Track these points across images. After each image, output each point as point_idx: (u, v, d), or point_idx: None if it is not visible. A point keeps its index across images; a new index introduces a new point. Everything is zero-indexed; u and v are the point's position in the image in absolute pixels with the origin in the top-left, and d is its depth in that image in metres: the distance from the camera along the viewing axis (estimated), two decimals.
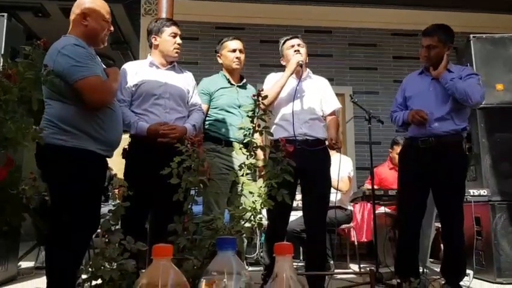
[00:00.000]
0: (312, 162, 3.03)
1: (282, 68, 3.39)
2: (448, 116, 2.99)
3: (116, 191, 2.13)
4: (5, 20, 3.69)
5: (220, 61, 3.41)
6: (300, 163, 2.89)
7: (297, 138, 3.06)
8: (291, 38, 3.32)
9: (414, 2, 6.64)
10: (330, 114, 3.37)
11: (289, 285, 0.83)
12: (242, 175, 2.17)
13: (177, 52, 2.99)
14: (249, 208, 2.05)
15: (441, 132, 2.98)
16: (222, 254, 0.89)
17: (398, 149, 4.68)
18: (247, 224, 2.06)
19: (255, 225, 2.05)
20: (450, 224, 2.98)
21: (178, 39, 2.97)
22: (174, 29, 2.97)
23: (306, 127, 3.14)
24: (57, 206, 2.25)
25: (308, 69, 3.38)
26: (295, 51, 3.23)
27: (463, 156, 3.14)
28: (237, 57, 3.30)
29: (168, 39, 2.94)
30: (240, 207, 2.05)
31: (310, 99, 3.25)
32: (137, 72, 2.88)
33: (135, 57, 7.66)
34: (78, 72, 2.17)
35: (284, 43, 3.34)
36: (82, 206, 2.23)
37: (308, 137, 3.12)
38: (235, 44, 3.34)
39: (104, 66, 2.50)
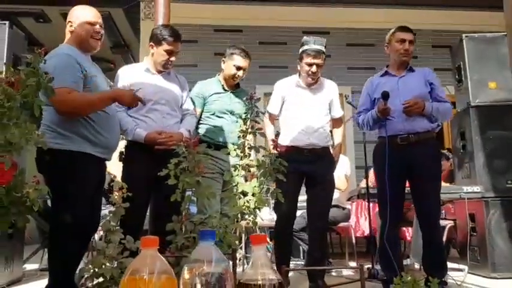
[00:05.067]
0: (317, 167, 3.24)
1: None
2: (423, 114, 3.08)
3: (116, 194, 2.22)
4: (7, 28, 3.76)
5: (222, 65, 3.45)
6: (307, 169, 3.19)
7: (306, 148, 3.26)
8: (313, 56, 3.25)
9: (410, 2, 6.71)
10: (337, 121, 3.56)
11: (263, 272, 0.92)
12: (237, 176, 2.25)
13: (166, 68, 3.01)
14: (244, 207, 2.13)
15: (419, 129, 3.07)
16: (203, 244, 0.99)
17: None
18: (243, 223, 2.14)
19: (250, 223, 2.12)
20: (429, 217, 3.05)
21: (172, 57, 2.97)
22: (172, 47, 2.94)
23: (314, 137, 3.28)
24: (57, 208, 2.34)
25: (320, 78, 3.41)
26: (310, 73, 3.28)
27: (439, 152, 3.31)
28: (238, 75, 3.37)
29: (162, 54, 2.95)
30: (235, 207, 2.13)
31: (319, 109, 3.36)
32: (133, 77, 2.94)
33: (136, 61, 7.73)
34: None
35: (306, 54, 3.28)
36: (81, 208, 2.32)
37: (316, 147, 3.28)
38: (243, 62, 3.36)
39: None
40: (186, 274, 0.95)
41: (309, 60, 3.26)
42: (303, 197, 3.42)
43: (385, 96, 2.99)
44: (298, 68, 3.40)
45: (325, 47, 3.33)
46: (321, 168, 3.26)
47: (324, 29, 7.08)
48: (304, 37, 3.38)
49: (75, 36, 2.53)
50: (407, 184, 3.18)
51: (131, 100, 2.55)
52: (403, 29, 3.23)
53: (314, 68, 3.26)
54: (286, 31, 6.93)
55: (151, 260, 0.94)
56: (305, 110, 3.31)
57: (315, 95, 3.38)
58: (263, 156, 2.23)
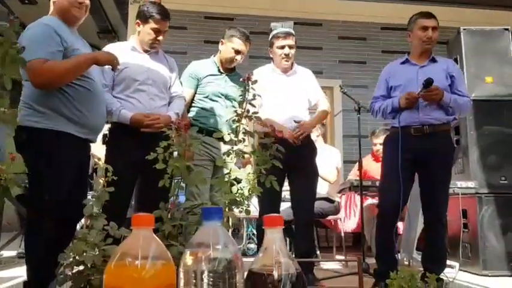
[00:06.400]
0: (298, 154, 3.06)
1: (272, 60, 3.36)
2: (440, 105, 2.98)
3: (100, 179, 2.08)
4: None
5: (220, 47, 3.32)
6: (288, 157, 3.01)
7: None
8: (283, 37, 3.19)
9: None
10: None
11: (278, 258, 0.79)
12: (230, 162, 2.12)
13: (153, 47, 2.87)
14: (237, 195, 2.01)
15: (434, 121, 2.97)
16: (208, 225, 0.84)
17: (374, 139, 4.73)
18: (236, 211, 2.02)
19: (243, 212, 2.01)
20: (436, 212, 2.96)
21: (160, 37, 2.82)
22: (159, 25, 2.80)
23: (294, 123, 3.15)
24: (33, 190, 2.19)
25: (294, 64, 3.35)
26: (283, 56, 3.19)
27: (453, 145, 3.17)
28: (236, 59, 3.26)
29: (149, 33, 2.81)
30: (227, 194, 2.01)
31: (297, 95, 3.26)
32: (119, 55, 2.79)
33: None
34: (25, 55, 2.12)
35: (276, 38, 3.23)
36: (58, 191, 2.17)
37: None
38: (242, 46, 3.24)
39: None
40: (188, 260, 0.80)
41: (280, 42, 3.20)
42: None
43: (429, 83, 2.86)
44: (271, 56, 3.32)
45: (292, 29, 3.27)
46: (302, 156, 3.14)
47: (316, 21, 7.00)
48: (272, 23, 3.33)
49: (57, 7, 2.39)
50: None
51: (107, 57, 2.41)
52: (426, 15, 3.10)
53: (286, 50, 3.19)
54: (278, 21, 6.80)
55: (144, 242, 0.78)
56: (283, 96, 3.22)
57: (291, 80, 3.29)
58: (260, 140, 2.11)
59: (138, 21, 2.86)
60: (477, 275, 3.70)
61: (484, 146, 3.90)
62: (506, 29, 4.09)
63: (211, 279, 0.77)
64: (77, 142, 2.32)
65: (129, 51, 2.85)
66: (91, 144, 2.53)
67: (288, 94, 3.23)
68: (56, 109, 2.23)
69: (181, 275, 0.82)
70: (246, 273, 0.83)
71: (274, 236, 0.83)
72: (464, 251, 3.85)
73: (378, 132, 4.75)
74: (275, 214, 0.87)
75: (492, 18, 6.49)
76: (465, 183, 3.81)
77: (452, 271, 3.53)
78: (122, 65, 2.72)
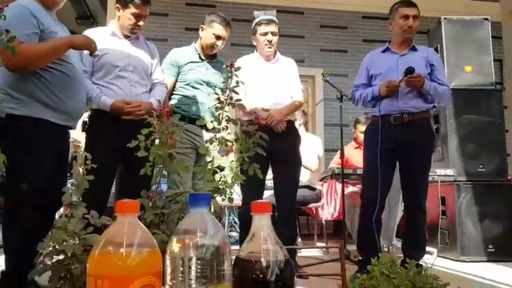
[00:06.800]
0: (281, 142, 3.07)
1: (254, 47, 3.36)
2: (419, 93, 3.00)
3: (80, 168, 2.04)
4: None
5: (200, 33, 3.29)
6: (271, 145, 3.00)
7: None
8: (266, 24, 3.20)
9: None
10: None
11: (266, 244, 0.78)
12: (213, 149, 2.11)
13: (133, 33, 2.81)
14: (220, 183, 2.00)
15: (413, 109, 2.99)
16: (195, 211, 0.83)
17: (360, 127, 4.75)
18: (218, 199, 2.01)
19: (225, 199, 2.00)
20: (416, 200, 3.00)
21: (140, 22, 2.76)
22: (139, 10, 2.73)
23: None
24: (10, 179, 2.14)
25: (277, 53, 3.35)
26: (267, 42, 3.19)
27: (432, 133, 3.19)
28: (217, 45, 3.22)
29: (129, 18, 2.74)
30: (210, 182, 2.00)
31: (281, 83, 3.26)
32: (99, 41, 2.71)
33: None
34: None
35: (258, 25, 3.23)
36: (36, 179, 2.13)
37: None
38: (223, 31, 3.21)
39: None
40: (175, 247, 0.79)
41: (263, 28, 3.20)
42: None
43: (410, 72, 2.88)
44: (254, 43, 3.32)
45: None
46: (285, 144, 3.13)
47: (298, 9, 6.98)
48: (255, 11, 3.33)
49: None
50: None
51: (84, 41, 2.34)
52: (407, 3, 3.09)
53: (269, 36, 3.20)
54: (260, 9, 6.73)
55: (130, 229, 0.76)
56: (267, 83, 3.21)
57: (275, 68, 3.30)
58: (242, 127, 2.09)
59: (118, 5, 2.79)
60: (455, 260, 3.78)
61: (463, 135, 3.97)
62: (486, 19, 4.14)
63: (199, 266, 0.75)
64: (56, 129, 2.26)
65: (108, 36, 2.78)
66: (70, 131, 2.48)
67: (273, 81, 3.23)
68: (33, 95, 2.17)
69: (168, 262, 0.80)
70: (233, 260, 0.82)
71: (262, 223, 0.81)
72: (442, 237, 3.93)
73: (366, 120, 4.77)
74: (262, 200, 0.86)
75: (472, 8, 6.56)
76: (444, 171, 3.88)
77: (430, 257, 3.60)
78: (102, 50, 2.64)
